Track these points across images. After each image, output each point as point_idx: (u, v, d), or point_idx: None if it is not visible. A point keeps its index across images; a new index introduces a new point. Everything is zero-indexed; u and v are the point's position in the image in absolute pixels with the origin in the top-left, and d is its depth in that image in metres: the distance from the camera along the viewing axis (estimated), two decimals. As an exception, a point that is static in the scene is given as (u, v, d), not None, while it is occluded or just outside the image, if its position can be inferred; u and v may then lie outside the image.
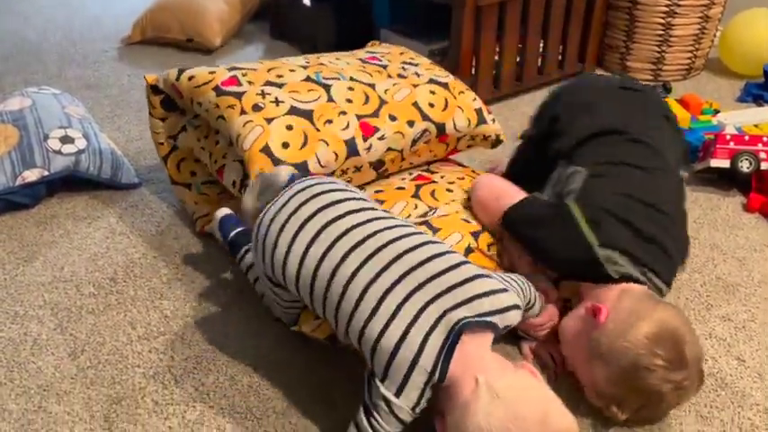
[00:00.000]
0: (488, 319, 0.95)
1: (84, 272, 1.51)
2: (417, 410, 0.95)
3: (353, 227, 1.02)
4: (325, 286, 1.00)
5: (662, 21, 2.46)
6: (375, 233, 1.02)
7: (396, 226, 1.05)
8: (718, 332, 1.36)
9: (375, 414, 0.95)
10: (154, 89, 1.56)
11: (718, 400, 1.20)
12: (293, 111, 1.38)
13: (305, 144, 1.34)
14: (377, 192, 1.50)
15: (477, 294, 0.96)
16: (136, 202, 1.76)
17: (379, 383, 0.94)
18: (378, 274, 0.97)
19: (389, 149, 1.46)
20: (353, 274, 0.98)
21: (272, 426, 1.14)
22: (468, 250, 1.31)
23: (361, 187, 1.53)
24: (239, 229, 1.39)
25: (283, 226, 1.06)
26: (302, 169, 1.32)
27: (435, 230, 1.32)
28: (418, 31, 2.53)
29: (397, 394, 0.93)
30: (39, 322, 1.36)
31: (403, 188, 1.50)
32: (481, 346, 0.95)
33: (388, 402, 0.93)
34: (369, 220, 1.04)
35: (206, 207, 1.62)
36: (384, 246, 1.00)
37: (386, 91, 1.51)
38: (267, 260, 1.07)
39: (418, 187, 1.47)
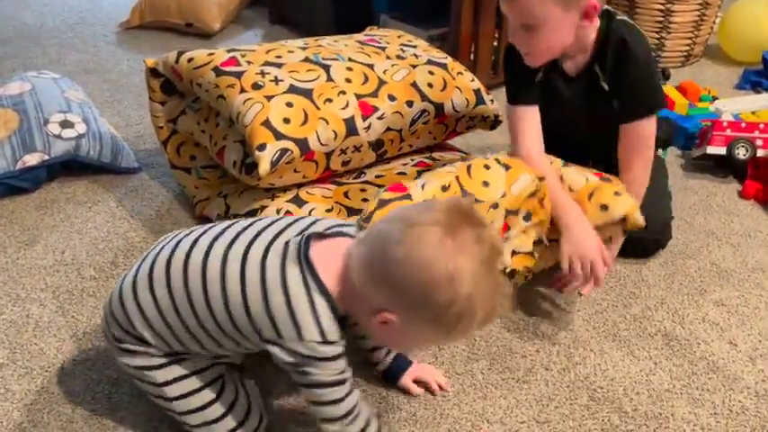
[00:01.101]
0: (333, 230, 0.94)
1: (84, 255, 1.52)
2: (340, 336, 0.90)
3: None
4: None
5: (662, 7, 2.45)
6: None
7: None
8: (712, 317, 1.38)
9: (312, 376, 0.90)
10: (153, 72, 1.57)
11: (710, 384, 1.22)
12: (293, 89, 1.39)
13: (305, 121, 1.36)
14: (378, 177, 1.51)
15: (312, 222, 0.97)
16: (136, 187, 1.77)
17: (276, 342, 0.89)
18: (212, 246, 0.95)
19: (389, 129, 1.47)
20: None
21: (272, 414, 1.16)
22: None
23: (362, 171, 1.54)
24: None
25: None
26: (303, 146, 1.34)
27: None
28: (417, 16, 2.53)
29: (299, 336, 0.88)
30: (40, 305, 1.38)
31: (404, 173, 1.51)
32: (337, 247, 0.92)
33: (301, 352, 0.88)
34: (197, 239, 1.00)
35: (206, 191, 1.63)
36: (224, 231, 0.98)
37: (384, 71, 1.51)
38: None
39: (419, 173, 1.48)
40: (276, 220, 0.99)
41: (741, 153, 1.80)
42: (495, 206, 1.20)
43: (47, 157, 1.70)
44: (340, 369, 0.91)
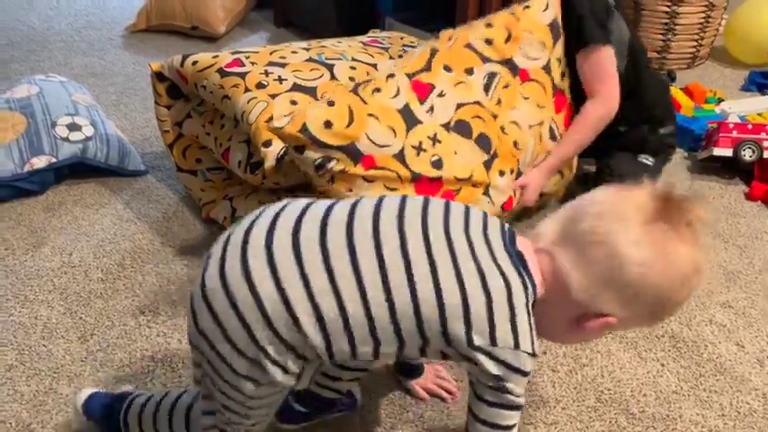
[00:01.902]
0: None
1: (92, 257, 1.53)
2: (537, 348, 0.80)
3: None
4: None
5: (667, 9, 2.45)
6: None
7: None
8: (719, 318, 1.37)
9: (506, 393, 0.79)
10: (159, 76, 1.57)
11: (718, 385, 1.22)
12: (296, 87, 1.40)
13: (351, 122, 1.22)
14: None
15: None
16: (143, 189, 1.78)
17: (486, 350, 0.77)
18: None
19: (460, 106, 1.31)
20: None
21: (278, 408, 1.16)
22: None
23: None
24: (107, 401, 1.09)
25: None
26: (352, 151, 1.19)
27: None
28: (422, 18, 2.53)
29: (516, 345, 0.77)
30: (48, 307, 1.38)
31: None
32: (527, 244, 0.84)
33: (511, 364, 0.77)
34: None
35: (212, 194, 1.64)
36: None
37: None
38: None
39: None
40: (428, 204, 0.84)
41: (747, 155, 1.80)
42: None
43: (54, 160, 1.71)
44: (525, 391, 0.82)
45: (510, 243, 0.82)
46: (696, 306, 1.41)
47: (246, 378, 0.80)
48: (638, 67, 1.58)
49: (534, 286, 0.80)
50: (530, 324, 0.79)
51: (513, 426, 0.83)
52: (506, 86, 1.38)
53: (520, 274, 0.79)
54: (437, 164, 1.26)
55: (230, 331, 0.77)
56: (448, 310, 0.76)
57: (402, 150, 1.23)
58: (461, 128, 1.31)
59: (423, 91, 1.28)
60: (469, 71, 1.35)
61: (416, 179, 1.24)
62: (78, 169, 1.78)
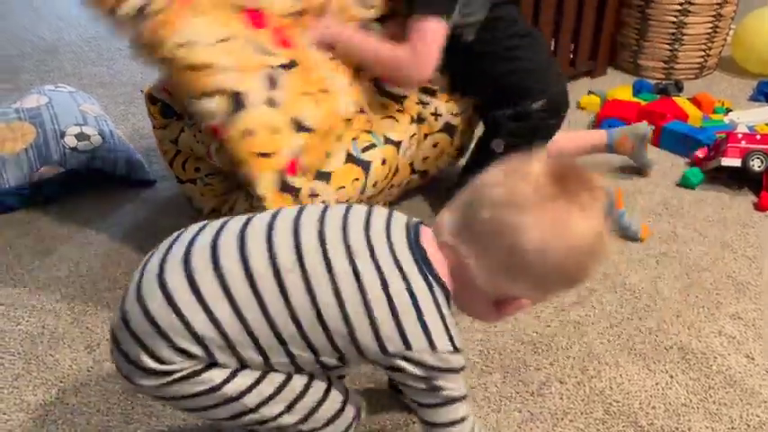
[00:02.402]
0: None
1: (99, 267, 1.53)
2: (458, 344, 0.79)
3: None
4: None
5: (674, 19, 2.45)
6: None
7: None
8: (728, 330, 1.36)
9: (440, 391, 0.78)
10: (151, 99, 1.58)
11: (727, 398, 1.21)
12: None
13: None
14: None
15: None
16: (150, 199, 1.79)
17: (403, 355, 0.76)
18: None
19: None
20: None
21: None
22: None
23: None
24: None
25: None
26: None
27: None
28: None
29: (432, 346, 0.76)
30: (56, 316, 1.39)
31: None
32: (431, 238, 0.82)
33: (434, 365, 0.77)
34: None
35: (212, 200, 1.63)
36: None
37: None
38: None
39: None
40: (342, 209, 0.84)
41: (756, 165, 1.79)
42: None
43: (63, 170, 1.72)
44: (464, 381, 0.82)
45: (414, 240, 0.80)
46: (705, 317, 1.40)
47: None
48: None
49: (440, 283, 0.78)
50: (443, 321, 0.77)
51: (465, 417, 0.82)
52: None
53: (423, 274, 0.77)
54: None
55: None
56: (353, 319, 0.75)
57: None
58: None
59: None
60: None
61: (242, 9, 1.27)
62: (86, 179, 1.79)
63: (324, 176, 1.38)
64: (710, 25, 2.48)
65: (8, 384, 1.22)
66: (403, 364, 0.76)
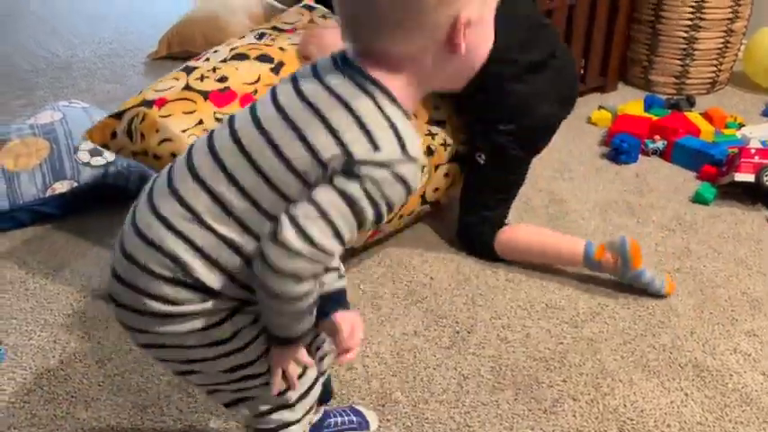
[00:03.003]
0: None
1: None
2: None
3: None
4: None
5: (685, 35, 2.45)
6: None
7: None
8: (744, 347, 1.35)
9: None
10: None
11: (744, 416, 1.19)
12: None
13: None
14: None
15: None
16: (162, 214, 1.79)
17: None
18: None
19: (234, 48, 1.54)
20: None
21: None
22: None
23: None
24: None
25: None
26: None
27: None
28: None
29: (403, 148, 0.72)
30: (67, 331, 1.39)
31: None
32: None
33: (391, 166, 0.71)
34: None
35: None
36: None
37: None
38: None
39: None
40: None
41: (770, 180, 1.77)
42: None
43: (76, 184, 1.73)
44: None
45: (342, 62, 0.75)
46: (720, 334, 1.38)
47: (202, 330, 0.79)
48: None
49: (379, 85, 0.73)
50: (388, 121, 0.72)
51: (344, 234, 0.74)
52: (274, 39, 1.57)
53: (359, 85, 0.73)
54: (222, 79, 1.47)
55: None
56: (304, 127, 0.72)
57: (187, 84, 1.45)
58: (238, 56, 1.52)
59: (197, 58, 1.56)
60: (241, 37, 1.61)
61: (208, 95, 1.44)
62: (99, 193, 1.80)
63: None
64: (721, 40, 2.47)
65: (20, 399, 1.22)
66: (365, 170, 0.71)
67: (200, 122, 1.40)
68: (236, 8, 3.02)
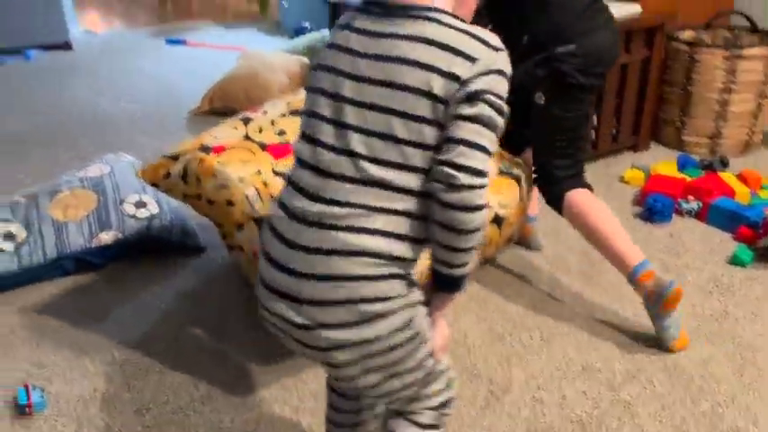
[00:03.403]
0: None
1: (151, 331, 1.57)
2: None
3: None
4: None
5: (717, 97, 2.47)
6: None
7: None
8: (787, 416, 1.32)
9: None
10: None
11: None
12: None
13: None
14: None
15: None
16: (200, 265, 1.84)
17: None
18: None
19: (290, 104, 1.63)
20: None
21: None
22: None
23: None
24: None
25: None
26: None
27: None
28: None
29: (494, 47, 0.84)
30: (108, 379, 1.42)
31: None
32: None
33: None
34: None
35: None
36: None
37: None
38: None
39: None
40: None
41: (808, 243, 1.76)
42: None
43: (121, 236, 1.79)
44: None
45: (382, 8, 0.85)
46: (762, 401, 1.35)
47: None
48: None
49: (432, 8, 0.83)
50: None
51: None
52: None
53: (418, 17, 0.83)
54: (281, 133, 1.54)
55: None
56: (403, 80, 0.81)
57: (246, 134, 1.52)
58: (295, 112, 1.57)
59: (254, 110, 1.64)
60: (296, 93, 1.72)
61: (266, 147, 1.51)
62: (142, 244, 1.85)
63: None
64: (754, 102, 2.49)
65: (60, 447, 1.25)
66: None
67: (258, 172, 1.45)
68: (275, 67, 3.14)
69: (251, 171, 1.45)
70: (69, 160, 2.54)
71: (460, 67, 0.80)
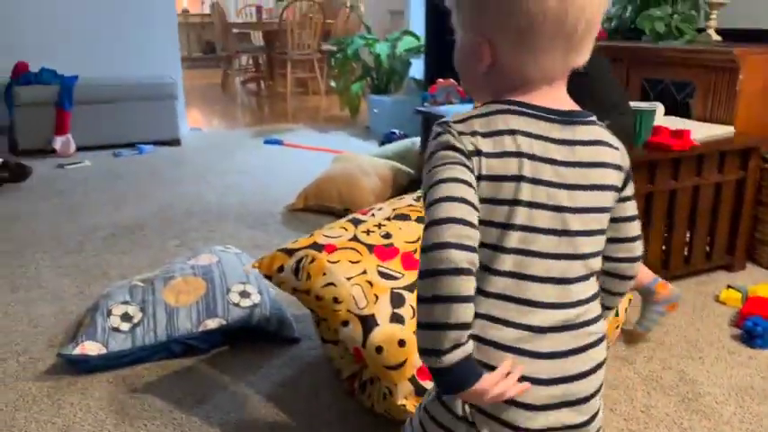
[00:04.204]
0: None
1: (247, 417, 1.63)
2: None
3: None
4: None
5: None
6: None
7: None
8: None
9: None
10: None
11: None
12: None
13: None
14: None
15: None
16: (296, 356, 1.91)
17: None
18: None
19: (396, 209, 1.75)
20: None
21: None
22: None
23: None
24: None
25: None
26: None
27: None
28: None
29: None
30: (208, 462, 1.47)
31: None
32: None
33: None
34: None
35: (351, 365, 1.70)
36: None
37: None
38: None
39: None
40: None
41: None
42: None
43: (225, 323, 1.90)
44: None
45: (561, 115, 0.91)
46: None
47: None
48: None
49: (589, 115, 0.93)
50: None
51: None
52: None
53: (587, 123, 0.92)
54: (386, 236, 1.64)
55: None
56: (598, 182, 0.91)
57: (354, 236, 1.63)
58: (401, 216, 1.71)
59: (364, 212, 1.75)
60: (401, 198, 1.85)
61: (373, 248, 1.61)
62: (243, 332, 1.95)
63: None
64: None
65: None
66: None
67: (364, 272, 1.54)
68: (368, 169, 3.31)
69: (357, 271, 1.54)
70: (176, 248, 2.73)
71: (620, 159, 0.93)
